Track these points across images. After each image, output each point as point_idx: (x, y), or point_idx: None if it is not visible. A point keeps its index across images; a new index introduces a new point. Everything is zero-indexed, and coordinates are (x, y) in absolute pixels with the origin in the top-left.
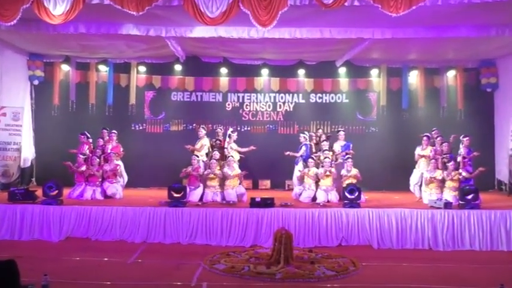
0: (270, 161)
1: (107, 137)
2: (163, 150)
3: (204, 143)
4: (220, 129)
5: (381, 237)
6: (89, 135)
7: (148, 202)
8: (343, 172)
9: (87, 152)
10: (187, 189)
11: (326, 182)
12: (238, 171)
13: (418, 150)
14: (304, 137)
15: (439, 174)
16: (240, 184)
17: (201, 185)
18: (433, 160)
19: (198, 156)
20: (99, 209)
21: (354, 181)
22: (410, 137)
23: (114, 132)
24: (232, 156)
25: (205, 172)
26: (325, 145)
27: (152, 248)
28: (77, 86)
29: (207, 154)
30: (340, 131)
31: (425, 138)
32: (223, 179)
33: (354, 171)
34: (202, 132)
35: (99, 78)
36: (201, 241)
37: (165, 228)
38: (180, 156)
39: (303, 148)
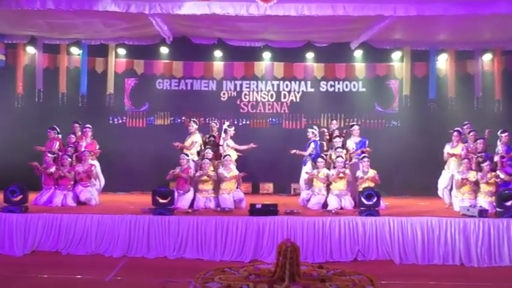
0: (272, 161)
1: (80, 133)
2: (147, 148)
3: (195, 139)
4: (215, 123)
5: (404, 250)
6: (58, 130)
7: (129, 209)
8: (359, 174)
9: (57, 150)
10: (175, 194)
11: (339, 186)
12: (235, 172)
13: (448, 148)
14: (313, 132)
15: (472, 176)
16: (237, 188)
17: (192, 189)
18: (466, 160)
19: (187, 155)
20: (71, 218)
21: (372, 184)
22: (438, 132)
23: (88, 127)
24: (228, 155)
25: (197, 174)
26: (337, 142)
27: (134, 264)
28: (44, 72)
29: (198, 153)
30: (354, 125)
31: (456, 134)
32: (217, 181)
33: (372, 172)
34: (193, 126)
35: (70, 63)
36: (191, 255)
37: (148, 240)
38: (167, 155)
39: (312, 146)
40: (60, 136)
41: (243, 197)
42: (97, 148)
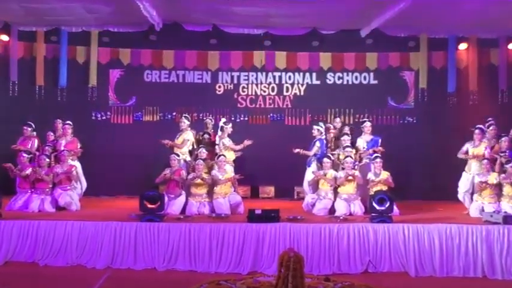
0: (273, 162)
1: (61, 130)
2: (134, 146)
3: (187, 137)
4: (210, 119)
5: (420, 261)
6: (34, 127)
7: (114, 215)
8: (370, 176)
9: (34, 149)
10: (166, 199)
11: (348, 189)
12: (230, 174)
13: (468, 147)
14: (318, 129)
15: (493, 178)
16: (234, 191)
17: (184, 193)
18: (486, 160)
19: (178, 155)
20: (49, 224)
21: (384, 188)
22: (458, 129)
23: (68, 124)
24: (223, 155)
25: (189, 176)
26: (346, 140)
27: (119, 276)
28: (19, 62)
29: (190, 152)
30: (366, 121)
31: (478, 131)
32: (212, 185)
33: (384, 174)
34: (184, 123)
35: (48, 52)
36: (183, 267)
37: (135, 250)
38: (156, 155)
39: (317, 144)
40: (35, 133)
41: (240, 201)
42: (78, 147)
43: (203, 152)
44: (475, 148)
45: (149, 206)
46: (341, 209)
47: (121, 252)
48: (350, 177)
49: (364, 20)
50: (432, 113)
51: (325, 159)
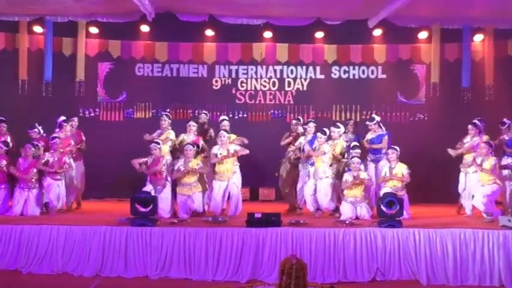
0: (275, 162)
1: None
2: (125, 145)
3: (171, 136)
4: (205, 113)
5: (432, 269)
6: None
7: (103, 219)
8: (385, 171)
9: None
10: (152, 191)
11: (354, 193)
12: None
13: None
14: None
15: (489, 163)
16: (234, 173)
17: (168, 183)
18: (484, 144)
19: (159, 144)
20: (33, 229)
21: (399, 185)
22: None
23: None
24: (225, 130)
25: (177, 167)
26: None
27: (108, 285)
28: (0, 54)
29: (172, 152)
30: (373, 118)
31: (471, 126)
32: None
33: (401, 167)
34: (165, 121)
35: (32, 44)
36: (177, 274)
37: (126, 257)
38: (149, 154)
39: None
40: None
41: (238, 197)
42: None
43: (190, 149)
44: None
45: (141, 209)
46: (347, 212)
47: (110, 259)
48: (357, 182)
49: (372, 9)
50: (445, 110)
51: (319, 134)
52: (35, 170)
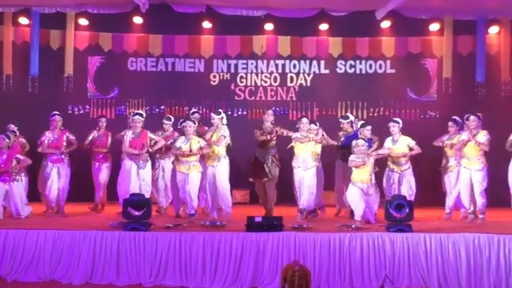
0: None
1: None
2: (116, 144)
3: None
4: (197, 113)
5: (444, 276)
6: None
7: (93, 223)
8: (387, 143)
9: None
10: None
11: (361, 177)
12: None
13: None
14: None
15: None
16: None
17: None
18: (450, 122)
19: (170, 119)
20: (18, 234)
21: (404, 160)
22: (488, 125)
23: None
24: (219, 111)
25: (179, 145)
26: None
27: None
28: None
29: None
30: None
31: (451, 123)
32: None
33: (406, 141)
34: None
35: (18, 37)
36: (173, 282)
37: (118, 263)
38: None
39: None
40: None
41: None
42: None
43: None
44: (449, 141)
45: (134, 212)
46: (354, 197)
47: (101, 265)
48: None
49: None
50: (458, 107)
51: (312, 125)
52: (14, 162)
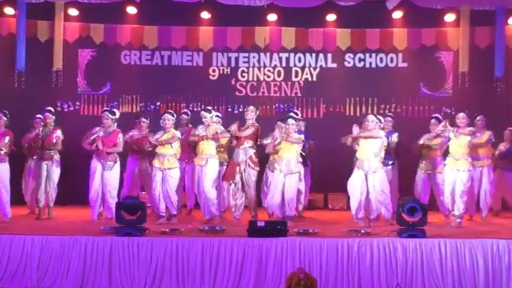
0: None
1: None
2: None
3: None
4: (186, 112)
5: (460, 285)
6: None
7: (84, 228)
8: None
9: None
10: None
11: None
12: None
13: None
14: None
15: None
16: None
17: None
18: (432, 119)
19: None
20: (3, 240)
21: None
22: (507, 122)
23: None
24: (208, 109)
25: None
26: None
27: None
28: None
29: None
30: (387, 116)
31: (433, 121)
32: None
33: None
34: (169, 120)
35: (3, 28)
36: None
37: (110, 271)
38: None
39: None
40: None
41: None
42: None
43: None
44: (429, 141)
45: (127, 217)
46: (356, 183)
47: (93, 273)
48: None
49: None
50: (475, 103)
51: (290, 120)
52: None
